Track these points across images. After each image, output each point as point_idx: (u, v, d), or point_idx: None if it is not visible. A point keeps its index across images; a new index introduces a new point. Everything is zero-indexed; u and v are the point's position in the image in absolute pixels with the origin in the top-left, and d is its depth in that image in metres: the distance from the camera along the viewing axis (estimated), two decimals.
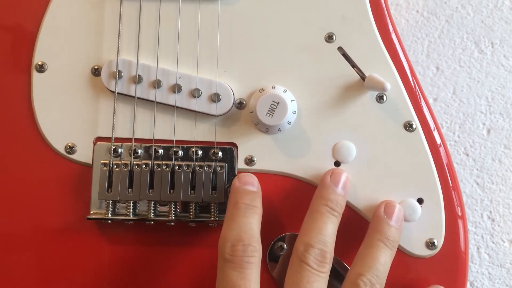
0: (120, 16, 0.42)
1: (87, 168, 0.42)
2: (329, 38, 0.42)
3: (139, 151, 0.42)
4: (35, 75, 0.42)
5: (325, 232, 0.38)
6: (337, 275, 0.41)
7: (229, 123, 0.42)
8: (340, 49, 0.42)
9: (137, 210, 0.42)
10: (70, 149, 0.42)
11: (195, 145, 0.42)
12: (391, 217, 0.40)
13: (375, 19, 0.42)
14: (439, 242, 0.42)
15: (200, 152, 0.42)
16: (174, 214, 0.42)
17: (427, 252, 0.42)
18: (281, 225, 0.42)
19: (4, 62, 0.42)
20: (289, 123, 0.42)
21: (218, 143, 0.42)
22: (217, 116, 0.42)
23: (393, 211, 0.40)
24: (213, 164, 0.42)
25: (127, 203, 0.42)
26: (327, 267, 0.38)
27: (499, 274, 0.53)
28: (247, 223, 0.38)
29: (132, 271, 0.42)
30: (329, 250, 0.38)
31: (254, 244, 0.37)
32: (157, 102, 0.42)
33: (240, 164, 0.42)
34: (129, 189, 0.41)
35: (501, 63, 0.54)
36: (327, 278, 0.38)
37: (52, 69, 0.42)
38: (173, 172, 0.42)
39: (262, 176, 0.42)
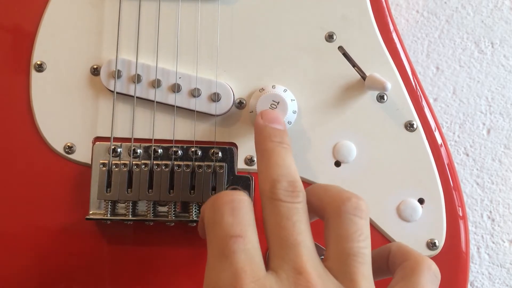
0: (119, 15, 0.42)
1: (86, 168, 0.42)
2: (330, 37, 0.42)
3: (139, 151, 0.42)
4: (34, 74, 0.42)
5: (283, 163, 0.34)
6: None
7: (229, 123, 0.42)
8: (340, 48, 0.42)
9: (136, 210, 0.42)
10: (69, 149, 0.42)
11: (194, 145, 0.42)
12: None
13: (376, 18, 0.42)
14: (440, 242, 0.41)
15: (199, 152, 0.42)
16: (173, 214, 0.41)
17: (428, 253, 0.41)
18: None
19: (3, 62, 0.42)
20: (289, 122, 0.41)
21: (217, 143, 0.42)
22: (217, 115, 0.42)
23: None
24: (212, 164, 0.42)
25: (126, 203, 0.41)
26: (302, 196, 0.33)
27: (499, 274, 0.53)
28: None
29: (132, 272, 0.42)
30: (296, 179, 0.34)
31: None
32: (157, 102, 0.42)
33: (240, 164, 0.42)
34: (128, 189, 0.41)
35: (501, 63, 0.54)
36: (306, 208, 0.34)
37: (51, 69, 0.42)
38: (172, 172, 0.41)
39: None
